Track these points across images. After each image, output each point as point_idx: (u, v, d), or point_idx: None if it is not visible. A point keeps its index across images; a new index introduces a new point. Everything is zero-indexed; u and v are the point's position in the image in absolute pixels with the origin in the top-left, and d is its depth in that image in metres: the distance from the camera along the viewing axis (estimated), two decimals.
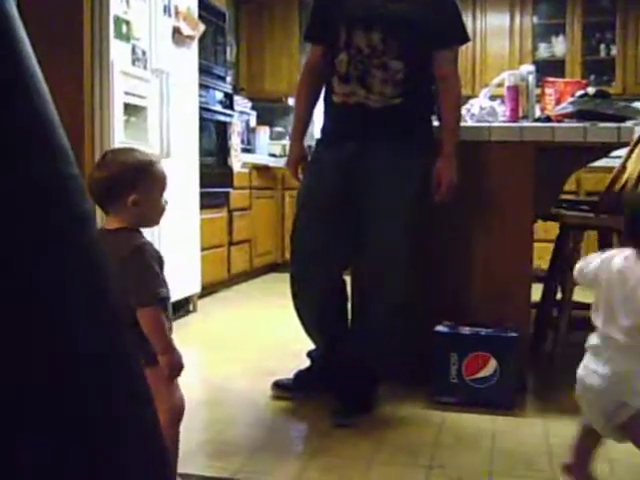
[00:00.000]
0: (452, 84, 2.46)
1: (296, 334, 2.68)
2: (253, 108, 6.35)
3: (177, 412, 1.71)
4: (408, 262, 2.43)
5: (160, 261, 1.65)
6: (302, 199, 2.54)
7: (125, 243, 1.61)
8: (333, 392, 2.45)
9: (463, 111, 3.31)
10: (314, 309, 2.53)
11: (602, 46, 6.16)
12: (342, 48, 2.41)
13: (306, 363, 2.61)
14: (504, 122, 3.14)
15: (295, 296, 2.53)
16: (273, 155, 6.29)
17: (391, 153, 2.37)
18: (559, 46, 6.23)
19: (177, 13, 3.92)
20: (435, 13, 2.37)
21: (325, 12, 2.49)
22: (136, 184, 1.64)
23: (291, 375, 2.56)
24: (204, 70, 4.58)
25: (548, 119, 3.05)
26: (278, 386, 2.52)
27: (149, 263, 1.59)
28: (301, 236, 2.52)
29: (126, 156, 1.70)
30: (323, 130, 2.57)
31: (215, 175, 4.75)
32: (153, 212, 1.72)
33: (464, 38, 2.54)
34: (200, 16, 4.27)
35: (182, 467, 1.87)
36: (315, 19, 2.58)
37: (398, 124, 2.39)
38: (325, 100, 2.54)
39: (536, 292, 2.93)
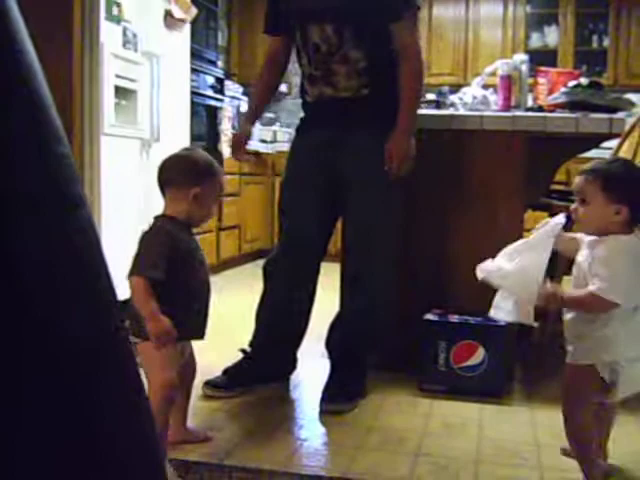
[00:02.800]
0: (410, 53, 2.37)
1: None
2: (244, 93, 6.32)
3: (168, 390, 1.72)
4: (391, 233, 2.45)
5: (173, 250, 1.76)
6: (283, 184, 2.56)
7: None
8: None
9: (455, 99, 3.32)
10: (283, 295, 2.52)
11: (595, 37, 6.17)
12: (301, 47, 2.42)
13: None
14: (496, 111, 3.14)
15: (268, 276, 2.55)
16: (263, 141, 6.26)
17: (366, 132, 2.36)
18: (552, 36, 6.23)
19: None
20: None
21: (276, 5, 2.49)
22: (203, 180, 1.84)
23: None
24: (195, 54, 4.55)
25: (540, 109, 3.05)
26: (209, 385, 2.42)
27: (150, 243, 1.76)
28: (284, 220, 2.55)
29: (206, 155, 1.92)
30: (301, 121, 2.58)
31: None
32: (204, 213, 1.88)
33: (412, 4, 2.39)
34: (193, 1, 4.23)
35: (170, 453, 1.87)
36: (270, 11, 2.55)
37: (371, 110, 2.37)
38: (301, 96, 2.55)
39: None
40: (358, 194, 2.40)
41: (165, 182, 1.87)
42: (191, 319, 1.84)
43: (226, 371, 2.50)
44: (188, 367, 1.95)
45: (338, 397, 2.35)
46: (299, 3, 2.39)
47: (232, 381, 2.45)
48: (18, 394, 0.56)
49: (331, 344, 2.57)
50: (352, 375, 2.46)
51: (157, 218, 1.85)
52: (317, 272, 2.54)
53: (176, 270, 1.76)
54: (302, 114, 2.59)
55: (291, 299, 2.51)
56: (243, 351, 2.56)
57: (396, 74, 2.38)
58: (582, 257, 1.73)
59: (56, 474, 0.59)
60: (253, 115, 2.67)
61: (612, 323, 1.64)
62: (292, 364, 2.61)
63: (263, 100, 2.66)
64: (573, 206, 1.76)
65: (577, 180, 1.75)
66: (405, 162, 2.34)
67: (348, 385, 2.42)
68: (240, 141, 2.58)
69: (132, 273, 1.72)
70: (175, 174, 1.85)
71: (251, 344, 2.58)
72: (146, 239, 1.79)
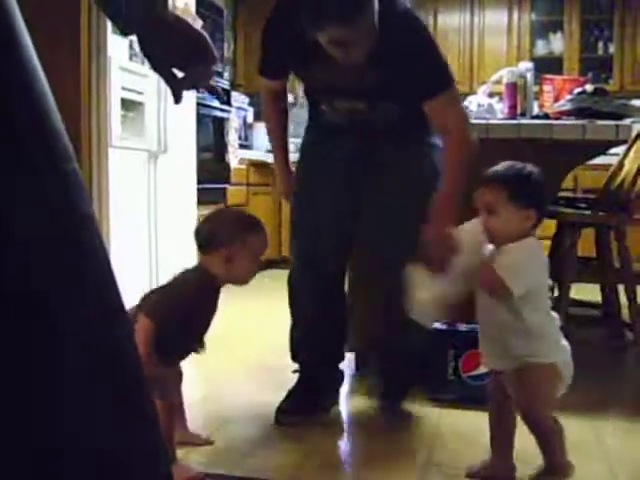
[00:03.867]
0: (454, 135, 2.09)
1: None
2: (250, 104, 6.34)
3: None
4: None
5: (191, 312, 1.76)
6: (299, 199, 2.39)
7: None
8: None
9: None
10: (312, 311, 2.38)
11: (600, 43, 6.17)
12: (323, 106, 2.26)
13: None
14: (502, 119, 3.14)
15: (294, 290, 2.40)
16: (270, 151, 6.27)
17: (394, 145, 2.22)
18: (557, 43, 6.23)
19: (175, 8, 3.91)
20: (413, 68, 2.02)
21: (283, 62, 2.27)
22: (233, 242, 1.79)
23: (288, 375, 2.51)
24: None
25: (546, 116, 3.05)
26: (281, 411, 2.30)
27: (177, 294, 1.76)
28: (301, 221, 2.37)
29: (236, 214, 1.93)
30: (313, 126, 2.43)
31: (212, 171, 4.75)
32: (240, 274, 1.83)
33: (447, 82, 2.10)
34: (198, 12, 4.26)
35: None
36: (270, 58, 2.32)
37: (401, 128, 2.21)
38: (314, 106, 2.36)
39: None
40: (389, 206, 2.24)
41: (203, 241, 1.85)
42: (189, 344, 1.86)
43: (289, 395, 2.37)
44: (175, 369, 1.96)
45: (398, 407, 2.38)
46: (326, 81, 2.15)
47: (302, 403, 2.34)
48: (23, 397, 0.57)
49: (380, 366, 2.52)
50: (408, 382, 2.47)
51: (198, 268, 1.84)
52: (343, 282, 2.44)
53: (189, 321, 1.77)
54: (312, 119, 2.44)
55: (324, 314, 2.39)
56: (296, 371, 2.47)
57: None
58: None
59: None
60: (284, 162, 2.48)
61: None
62: (341, 375, 2.53)
63: (285, 141, 2.48)
64: (478, 220, 1.73)
65: (480, 192, 1.72)
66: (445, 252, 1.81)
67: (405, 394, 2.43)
68: (288, 192, 2.45)
69: (146, 312, 1.69)
70: (207, 234, 1.84)
71: (299, 362, 2.47)
72: (176, 287, 1.79)
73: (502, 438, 1.83)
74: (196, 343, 1.87)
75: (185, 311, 1.75)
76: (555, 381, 1.72)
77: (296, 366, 2.46)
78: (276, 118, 2.45)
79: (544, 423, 1.73)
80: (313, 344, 2.42)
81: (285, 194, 2.51)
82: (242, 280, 1.85)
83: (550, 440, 1.75)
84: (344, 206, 2.30)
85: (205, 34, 1.09)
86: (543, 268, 1.71)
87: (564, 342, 1.75)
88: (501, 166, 1.76)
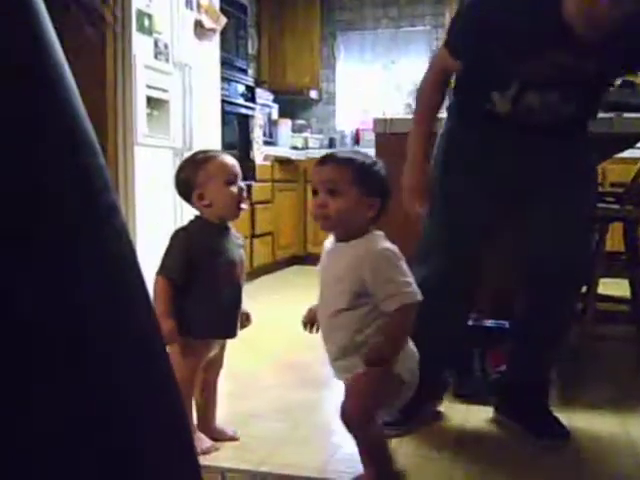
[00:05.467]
0: None
1: None
2: (275, 101, 6.35)
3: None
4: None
5: (190, 252, 1.84)
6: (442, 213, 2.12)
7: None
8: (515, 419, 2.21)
9: None
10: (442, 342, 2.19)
11: None
12: (507, 100, 2.00)
13: None
14: None
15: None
16: (295, 148, 6.29)
17: (563, 150, 2.05)
18: None
19: (199, 6, 3.93)
20: (627, 56, 1.92)
21: (486, 44, 1.92)
22: (196, 179, 1.87)
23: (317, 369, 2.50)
24: (226, 63, 4.59)
25: None
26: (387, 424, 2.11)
27: (170, 245, 1.86)
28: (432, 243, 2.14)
29: (190, 156, 1.95)
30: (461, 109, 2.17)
31: None
32: (219, 203, 1.87)
33: None
34: (222, 9, 4.27)
35: (206, 459, 1.88)
36: (468, 36, 1.97)
37: (569, 126, 2.06)
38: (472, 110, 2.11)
39: None
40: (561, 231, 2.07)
41: (181, 195, 1.95)
42: (217, 317, 1.90)
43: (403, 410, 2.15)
44: (215, 364, 2.02)
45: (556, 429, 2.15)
46: (532, 67, 1.92)
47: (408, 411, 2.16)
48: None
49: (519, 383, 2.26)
50: (546, 414, 2.22)
51: (191, 220, 1.94)
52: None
53: (198, 270, 1.84)
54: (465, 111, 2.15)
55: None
56: None
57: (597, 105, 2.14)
58: (331, 267, 1.62)
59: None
60: (424, 153, 2.09)
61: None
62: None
63: (431, 127, 2.11)
64: (318, 199, 1.56)
65: (322, 169, 1.57)
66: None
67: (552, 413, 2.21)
68: (416, 198, 2.07)
69: (157, 272, 1.84)
70: (177, 187, 1.94)
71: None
72: (169, 242, 1.88)
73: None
74: (226, 318, 1.92)
75: (193, 257, 1.83)
76: (389, 388, 1.61)
77: None
78: (435, 99, 2.09)
79: (372, 430, 1.63)
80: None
81: (411, 192, 2.07)
82: (227, 208, 1.89)
83: (382, 448, 1.68)
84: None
85: None
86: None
87: (412, 347, 1.65)
88: (343, 151, 1.66)
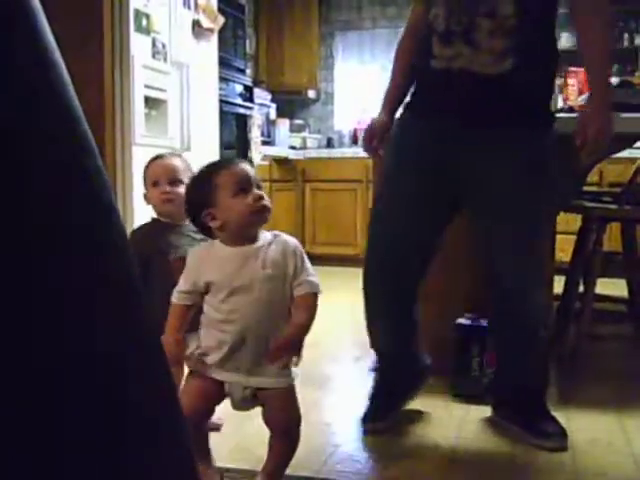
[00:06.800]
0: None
1: (323, 326, 2.67)
2: (273, 100, 6.35)
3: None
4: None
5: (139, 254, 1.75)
6: (381, 186, 2.19)
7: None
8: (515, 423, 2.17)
9: None
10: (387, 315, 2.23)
11: (625, 35, 6.09)
12: (440, 2, 2.00)
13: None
14: None
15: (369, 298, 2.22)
16: (293, 147, 6.29)
17: (505, 126, 1.99)
18: None
19: (197, 6, 3.93)
20: None
21: None
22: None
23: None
24: (224, 63, 4.58)
25: (571, 110, 3.02)
26: (365, 419, 2.21)
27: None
28: (377, 230, 2.17)
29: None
30: (413, 98, 2.18)
31: None
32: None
33: None
34: (220, 9, 4.27)
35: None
36: None
37: (513, 95, 1.98)
38: (419, 67, 2.11)
39: (558, 285, 2.91)
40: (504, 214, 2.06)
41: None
42: None
43: (372, 398, 2.29)
44: None
45: (554, 429, 2.12)
46: None
47: (386, 405, 2.25)
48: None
49: (504, 391, 2.27)
50: (544, 415, 2.18)
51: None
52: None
53: (149, 269, 1.84)
54: (414, 91, 2.18)
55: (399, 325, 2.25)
56: (375, 370, 2.41)
57: (550, 60, 2.11)
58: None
59: None
60: (391, 101, 2.22)
61: None
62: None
63: (405, 76, 2.20)
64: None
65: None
66: (602, 140, 1.98)
67: (546, 427, 2.12)
68: (371, 139, 2.19)
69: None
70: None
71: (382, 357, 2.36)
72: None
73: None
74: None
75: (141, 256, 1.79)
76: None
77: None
78: (405, 56, 2.25)
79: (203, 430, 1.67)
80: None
81: (367, 133, 2.21)
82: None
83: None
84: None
85: None
86: None
87: None
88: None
